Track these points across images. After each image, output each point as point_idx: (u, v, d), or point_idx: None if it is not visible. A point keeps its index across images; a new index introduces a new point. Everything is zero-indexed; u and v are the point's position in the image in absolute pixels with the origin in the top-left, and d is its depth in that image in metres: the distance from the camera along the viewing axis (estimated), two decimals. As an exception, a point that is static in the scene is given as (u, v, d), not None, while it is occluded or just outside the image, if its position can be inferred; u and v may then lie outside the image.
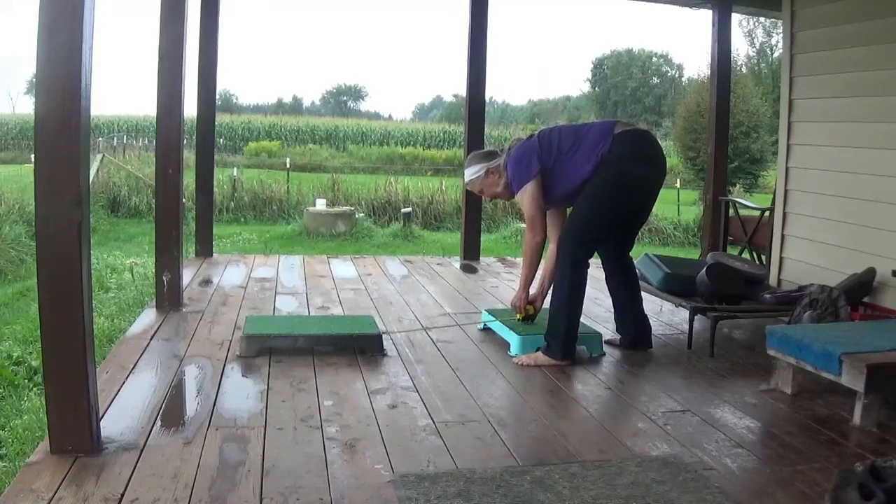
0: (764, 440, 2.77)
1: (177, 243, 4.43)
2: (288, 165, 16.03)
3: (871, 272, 4.18)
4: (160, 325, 4.07)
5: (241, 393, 3.05)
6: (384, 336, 3.81)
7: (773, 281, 5.03)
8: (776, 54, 29.01)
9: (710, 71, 6.46)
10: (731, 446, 2.65)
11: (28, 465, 2.32)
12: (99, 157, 14.58)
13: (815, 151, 4.82)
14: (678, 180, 16.75)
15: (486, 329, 4.15)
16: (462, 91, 6.98)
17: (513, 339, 3.75)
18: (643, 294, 3.97)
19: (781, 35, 5.73)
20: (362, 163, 24.43)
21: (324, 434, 2.64)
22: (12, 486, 2.19)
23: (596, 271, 4.13)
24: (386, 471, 2.37)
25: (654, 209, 3.94)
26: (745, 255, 5.86)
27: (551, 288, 3.66)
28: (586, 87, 49.31)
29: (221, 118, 26.80)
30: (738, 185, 16.81)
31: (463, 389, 3.20)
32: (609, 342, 3.93)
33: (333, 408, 2.90)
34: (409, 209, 12.73)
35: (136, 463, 2.34)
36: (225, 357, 3.53)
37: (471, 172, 3.84)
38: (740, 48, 38.59)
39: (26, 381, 4.44)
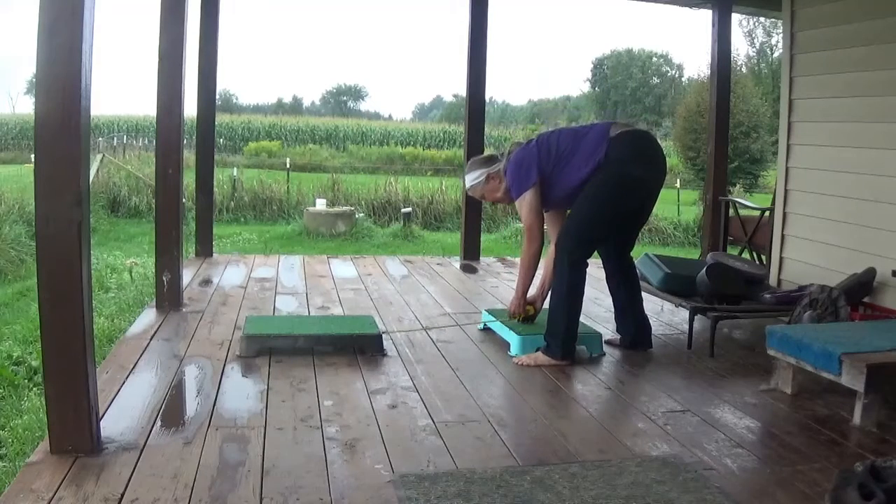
0: (764, 440, 2.77)
1: (177, 243, 4.44)
2: (288, 165, 16.03)
3: (871, 272, 4.18)
4: (160, 325, 4.07)
5: (241, 393, 3.05)
6: (384, 336, 3.81)
7: (773, 281, 5.03)
8: (776, 54, 29.01)
9: (710, 71, 6.46)
10: (731, 446, 2.65)
11: (28, 465, 2.32)
12: (99, 157, 14.58)
13: (815, 151, 4.82)
14: (678, 180, 16.75)
15: (486, 329, 4.15)
16: (462, 91, 6.98)
17: (513, 339, 3.75)
18: (643, 294, 3.97)
19: (781, 35, 5.73)
20: (362, 163, 24.44)
21: (324, 434, 2.64)
22: (12, 486, 2.19)
23: (596, 271, 4.14)
24: (386, 471, 2.37)
25: (655, 209, 3.94)
26: (745, 255, 5.86)
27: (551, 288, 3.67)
28: (586, 87, 49.35)
29: (221, 118, 26.80)
30: (738, 185, 16.81)
31: (463, 389, 3.20)
32: (609, 342, 3.93)
33: (333, 408, 2.90)
34: (409, 209, 12.73)
35: (136, 463, 2.34)
36: (225, 357, 3.53)
37: (471, 178, 3.85)
38: (740, 48, 38.61)
39: (26, 381, 4.44)
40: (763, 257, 5.61)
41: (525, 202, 3.63)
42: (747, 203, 6.47)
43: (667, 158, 3.94)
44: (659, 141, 3.88)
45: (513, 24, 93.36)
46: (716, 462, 2.50)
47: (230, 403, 2.92)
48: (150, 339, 3.80)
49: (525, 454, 2.55)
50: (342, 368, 3.42)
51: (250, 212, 13.58)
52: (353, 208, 12.42)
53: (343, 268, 6.19)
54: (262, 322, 3.93)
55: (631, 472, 2.38)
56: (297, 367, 3.38)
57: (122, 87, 60.74)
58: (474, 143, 6.53)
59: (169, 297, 4.43)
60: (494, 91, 66.25)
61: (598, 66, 46.93)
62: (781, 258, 5.09)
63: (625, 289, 3.86)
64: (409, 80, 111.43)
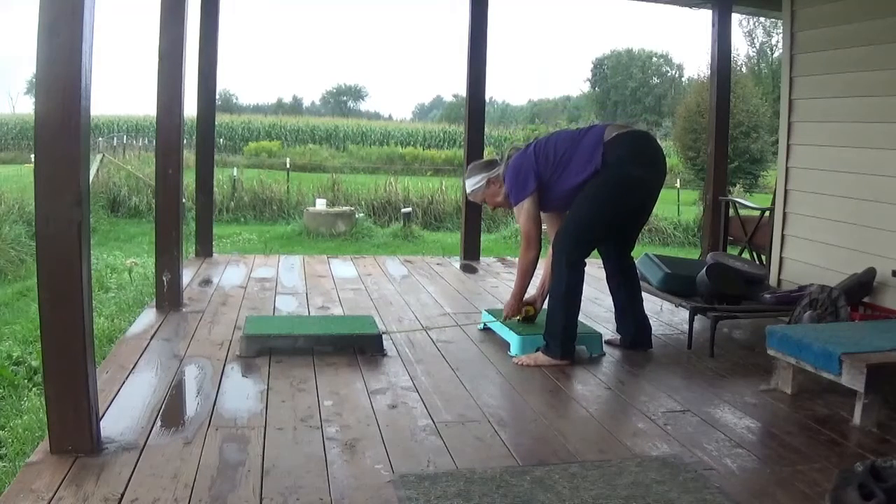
0: (764, 440, 2.77)
1: (177, 243, 4.44)
2: (288, 165, 16.03)
3: (871, 272, 4.18)
4: (160, 325, 4.07)
5: (241, 393, 3.05)
6: (384, 336, 3.81)
7: (773, 281, 5.03)
8: (776, 54, 29.00)
9: (710, 71, 6.46)
10: (731, 446, 2.65)
11: (28, 465, 2.32)
12: (99, 157, 14.57)
13: (815, 151, 4.82)
14: (678, 180, 16.74)
15: (486, 329, 4.15)
16: (462, 91, 6.98)
17: (513, 339, 3.75)
18: (643, 294, 3.97)
19: (781, 35, 5.73)
20: (362, 163, 24.43)
21: (324, 434, 2.64)
22: (12, 486, 2.19)
23: (596, 271, 4.14)
24: (386, 471, 2.37)
25: (655, 209, 3.94)
26: (745, 255, 5.86)
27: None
28: (586, 87, 49.33)
29: (221, 118, 26.80)
30: (738, 185, 16.80)
31: (463, 389, 3.20)
32: (609, 342, 3.93)
33: (333, 408, 2.90)
34: (409, 209, 12.72)
35: (136, 463, 2.34)
36: (225, 357, 3.53)
37: (472, 183, 3.85)
38: (740, 48, 38.57)
39: (26, 381, 4.44)
40: (763, 257, 5.61)
41: (523, 210, 3.65)
42: (747, 203, 6.47)
43: (667, 158, 3.94)
44: (659, 141, 3.88)
45: (513, 24, 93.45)
46: (716, 462, 2.50)
47: (230, 403, 2.92)
48: (150, 339, 3.80)
49: (525, 454, 2.55)
50: (342, 368, 3.42)
51: (250, 212, 13.58)
52: (353, 208, 12.42)
53: (343, 268, 6.19)
54: (262, 322, 3.93)
55: (631, 472, 2.38)
56: (297, 367, 3.38)
57: (122, 87, 60.74)
58: (474, 143, 6.53)
59: (169, 297, 4.43)
60: (494, 91, 66.40)
61: (598, 66, 46.92)
62: (781, 258, 5.09)
63: (625, 289, 3.86)
64: (409, 80, 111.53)
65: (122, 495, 2.13)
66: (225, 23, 6.26)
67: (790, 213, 5.04)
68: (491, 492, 2.21)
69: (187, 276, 5.32)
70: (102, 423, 2.57)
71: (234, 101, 51.81)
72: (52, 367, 2.36)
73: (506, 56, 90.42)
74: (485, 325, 4.18)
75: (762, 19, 28.26)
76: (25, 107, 41.29)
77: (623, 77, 44.72)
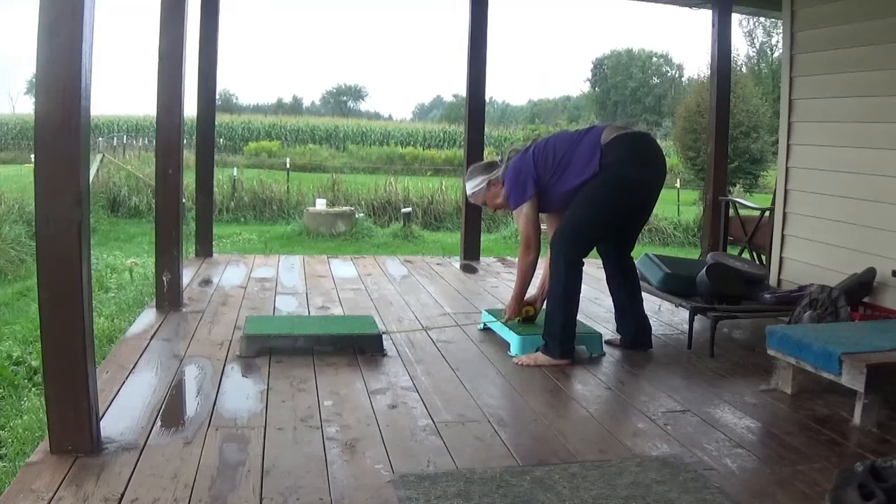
0: (764, 440, 2.77)
1: (177, 243, 4.44)
2: (288, 165, 16.03)
3: (871, 272, 4.18)
4: (160, 325, 4.07)
5: (241, 393, 3.05)
6: (384, 336, 3.81)
7: (773, 281, 5.03)
8: (776, 54, 29.00)
9: (710, 71, 6.46)
10: (731, 446, 2.65)
11: (28, 465, 2.32)
12: (99, 157, 14.57)
13: (815, 151, 4.82)
14: (678, 180, 16.74)
15: (486, 329, 4.15)
16: (462, 91, 6.98)
17: (513, 339, 3.75)
18: (643, 294, 3.97)
19: (781, 35, 5.73)
20: (362, 163, 24.43)
21: (324, 434, 2.64)
22: (12, 486, 2.19)
23: (596, 271, 4.14)
24: (386, 471, 2.37)
25: (655, 209, 3.94)
26: (745, 255, 5.86)
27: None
28: (586, 87, 49.35)
29: (221, 118, 26.79)
30: (738, 185, 16.80)
31: (463, 389, 3.20)
32: (609, 342, 3.93)
33: (333, 408, 2.90)
34: (409, 209, 12.72)
35: (136, 463, 2.35)
36: (225, 357, 3.53)
37: (472, 185, 3.86)
38: (740, 48, 38.58)
39: (26, 381, 4.44)
40: (763, 257, 5.61)
41: (522, 214, 3.66)
42: (747, 203, 6.47)
43: (667, 158, 3.94)
44: (659, 141, 3.89)
45: (513, 24, 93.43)
46: (716, 462, 2.50)
47: (230, 403, 2.92)
48: (150, 339, 3.80)
49: (525, 454, 2.55)
50: (342, 368, 3.42)
51: (250, 212, 13.57)
52: (353, 208, 12.41)
53: (343, 268, 6.19)
54: (262, 322, 3.93)
55: (631, 472, 2.38)
56: (297, 367, 3.38)
57: (122, 87, 60.72)
58: (474, 143, 6.53)
59: (169, 297, 4.43)
60: (494, 91, 66.40)
61: (598, 66, 46.93)
62: (781, 258, 5.09)
63: (625, 289, 3.86)
64: (409, 80, 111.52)
65: (122, 495, 2.13)
66: (225, 23, 6.27)
67: (790, 213, 5.04)
68: (491, 492, 2.21)
69: (187, 276, 5.32)
70: (102, 423, 2.57)
71: (234, 101, 51.85)
72: (52, 367, 2.36)
73: (506, 56, 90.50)
74: (485, 325, 4.18)
75: (762, 19, 28.27)
76: (25, 107, 41.33)
77: (623, 77, 44.73)
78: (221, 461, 2.39)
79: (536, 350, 3.61)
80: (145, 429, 2.62)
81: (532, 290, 3.96)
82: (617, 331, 4.00)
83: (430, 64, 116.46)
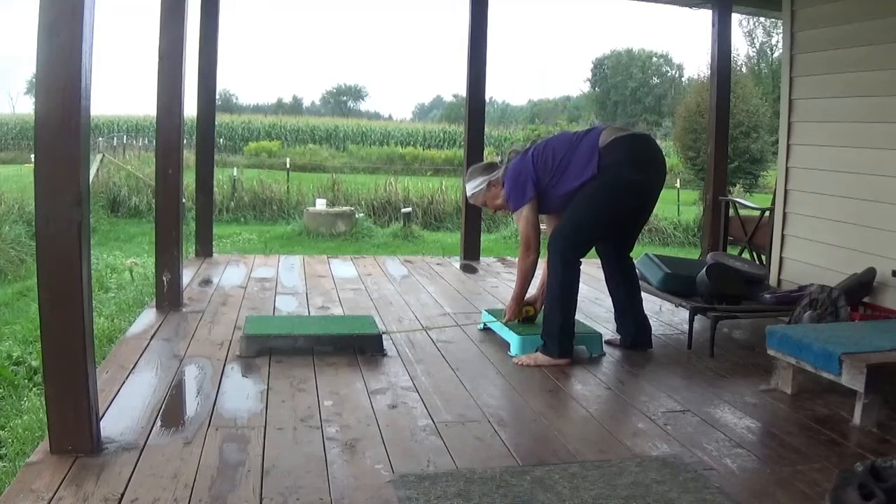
0: (764, 440, 2.77)
1: (177, 243, 4.44)
2: (288, 165, 16.02)
3: (871, 272, 4.18)
4: (160, 325, 4.07)
5: (241, 393, 3.05)
6: (384, 336, 3.81)
7: (773, 281, 5.03)
8: (776, 54, 28.99)
9: (710, 71, 6.46)
10: (731, 446, 2.65)
11: (28, 465, 2.32)
12: (99, 157, 14.57)
13: (815, 151, 4.82)
14: (678, 180, 16.74)
15: (486, 329, 4.15)
16: (462, 91, 6.98)
17: (513, 339, 3.75)
18: (643, 294, 3.97)
19: (781, 35, 5.73)
20: (362, 163, 24.43)
21: (324, 434, 2.64)
22: (12, 486, 2.19)
23: (595, 271, 4.14)
24: (386, 471, 2.37)
25: (655, 209, 3.95)
26: (745, 255, 5.86)
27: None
28: (586, 87, 49.33)
29: (221, 118, 26.79)
30: (738, 185, 16.79)
31: (463, 389, 3.20)
32: (609, 342, 3.93)
33: (333, 408, 2.90)
34: (409, 209, 12.72)
35: (136, 463, 2.35)
36: (225, 357, 3.53)
37: (472, 186, 3.86)
38: (740, 48, 38.57)
39: (26, 381, 4.44)
40: (763, 257, 5.61)
41: (522, 217, 3.66)
42: (747, 203, 6.47)
43: (667, 158, 3.94)
44: (659, 141, 3.89)
45: (513, 24, 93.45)
46: (716, 462, 2.50)
47: (230, 403, 2.92)
48: (150, 339, 3.80)
49: (525, 454, 2.55)
50: (342, 368, 3.42)
51: (250, 212, 13.57)
52: (353, 208, 12.41)
53: (343, 268, 6.19)
54: (262, 322, 3.93)
55: (631, 472, 2.38)
56: (297, 367, 3.38)
57: (122, 87, 60.68)
58: (474, 143, 6.53)
59: (169, 297, 4.43)
60: (494, 91, 66.41)
61: (598, 66, 46.92)
62: (781, 258, 5.09)
63: (624, 289, 3.86)
64: (409, 80, 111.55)
65: (122, 495, 2.13)
66: (225, 23, 6.27)
67: (790, 213, 5.04)
68: (491, 492, 2.21)
69: (187, 276, 5.32)
70: (102, 423, 2.57)
71: (234, 101, 51.86)
72: (52, 367, 2.36)
73: (506, 56, 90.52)
74: (485, 325, 4.18)
75: (762, 19, 28.27)
76: (25, 107, 41.33)
77: (623, 77, 44.72)
78: (221, 461, 2.39)
79: (536, 350, 3.61)
80: (145, 429, 2.62)
81: (532, 291, 3.96)
82: (617, 331, 4.00)
83: (430, 64, 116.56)
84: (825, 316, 3.65)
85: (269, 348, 3.56)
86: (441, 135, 31.81)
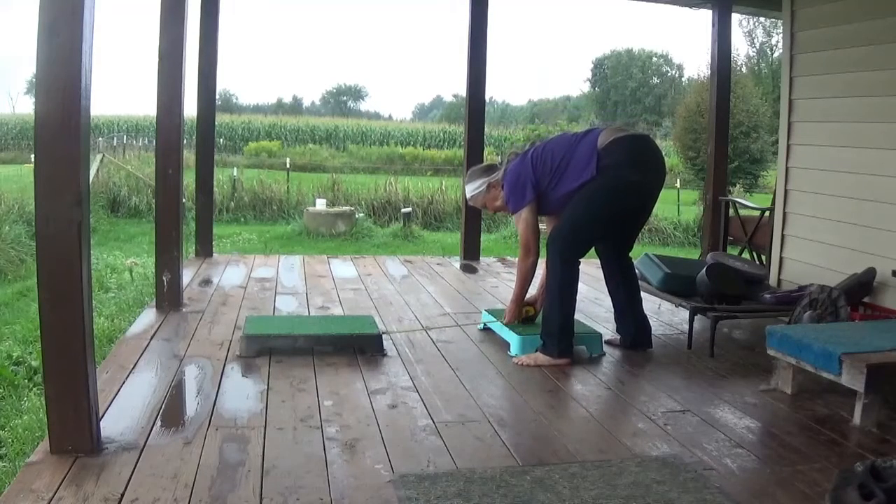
0: (764, 440, 2.77)
1: (177, 243, 4.44)
2: (288, 165, 16.02)
3: (871, 272, 4.18)
4: (160, 325, 4.07)
5: (241, 393, 3.05)
6: (384, 336, 3.81)
7: (773, 281, 5.03)
8: (776, 54, 29.00)
9: (710, 71, 6.46)
10: (731, 446, 2.65)
11: (28, 465, 2.32)
12: (99, 157, 14.57)
13: (815, 151, 4.82)
14: (678, 180, 16.74)
15: (486, 329, 4.15)
16: (462, 91, 6.98)
17: (513, 339, 3.75)
18: (643, 294, 3.97)
19: (781, 35, 5.73)
20: (362, 163, 24.43)
21: (324, 434, 2.64)
22: (12, 486, 2.19)
23: (596, 271, 4.14)
24: (386, 471, 2.37)
25: (655, 209, 3.95)
26: (745, 255, 5.86)
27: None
28: (586, 87, 49.38)
29: (221, 118, 26.79)
30: (738, 185, 16.80)
31: (463, 389, 3.20)
32: (609, 342, 3.93)
33: (333, 408, 2.90)
34: (409, 209, 12.72)
35: (136, 463, 2.34)
36: (225, 357, 3.53)
37: (472, 188, 3.87)
38: (740, 48, 38.57)
39: (26, 381, 4.44)
40: (763, 257, 5.61)
41: (521, 219, 3.66)
42: (747, 203, 6.47)
43: (666, 159, 3.95)
44: (659, 141, 3.90)
45: (513, 24, 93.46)
46: (716, 462, 2.50)
47: (230, 403, 2.92)
48: (150, 339, 3.80)
49: (525, 454, 2.55)
50: (342, 368, 3.42)
51: (250, 212, 13.57)
52: (353, 208, 12.41)
53: (343, 268, 6.19)
54: (262, 322, 3.93)
55: (631, 472, 2.38)
56: (297, 367, 3.38)
57: (122, 87, 60.68)
58: (474, 143, 6.53)
59: (169, 297, 4.43)
60: (494, 91, 66.42)
61: (598, 66, 46.93)
62: (781, 258, 5.09)
63: (624, 289, 3.86)
64: (409, 80, 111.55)
65: (122, 495, 2.13)
66: (225, 23, 6.26)
67: (790, 213, 5.04)
68: (491, 492, 2.21)
69: (187, 276, 5.32)
70: (102, 423, 2.57)
71: (234, 101, 51.88)
72: (52, 367, 2.36)
73: (506, 56, 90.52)
74: (485, 325, 4.18)
75: (762, 19, 28.27)
76: (25, 107, 41.34)
77: (623, 77, 44.73)
78: (221, 461, 2.39)
79: (536, 350, 3.61)
80: (145, 429, 2.62)
81: (532, 291, 3.96)
82: (617, 331, 4.00)
83: (430, 64, 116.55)
84: (825, 316, 3.65)
85: (269, 348, 3.56)
86: (441, 135, 31.82)
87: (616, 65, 45.71)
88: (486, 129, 7.77)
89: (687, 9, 6.56)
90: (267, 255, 7.15)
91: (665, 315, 4.69)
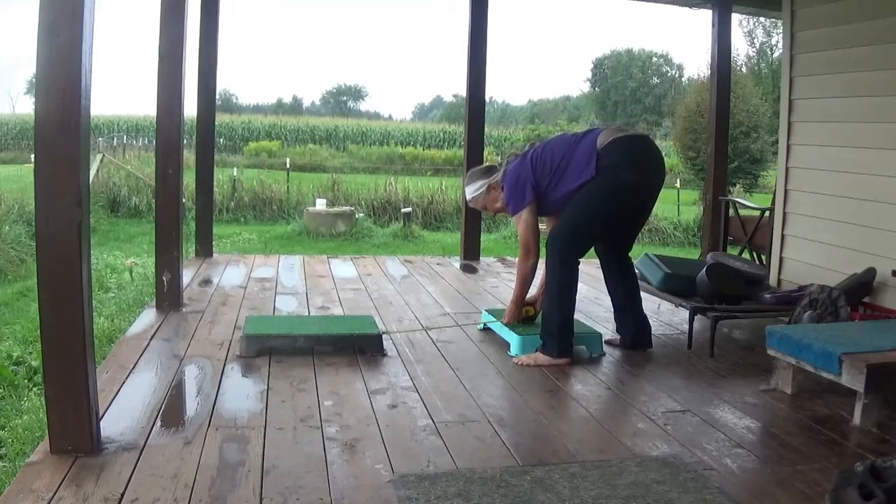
0: (764, 440, 2.77)
1: (177, 243, 4.44)
2: (288, 165, 16.02)
3: (871, 272, 4.18)
4: (160, 325, 4.07)
5: (241, 393, 3.05)
6: (384, 336, 3.81)
7: (773, 281, 5.03)
8: (776, 54, 28.99)
9: (710, 71, 6.46)
10: (731, 446, 2.65)
11: (28, 465, 2.32)
12: (99, 157, 14.57)
13: (815, 151, 4.82)
14: (678, 180, 16.74)
15: (486, 329, 4.15)
16: (462, 91, 6.98)
17: (513, 339, 3.75)
18: (643, 294, 3.97)
19: (781, 35, 5.73)
20: (362, 163, 24.43)
21: (324, 434, 2.64)
22: (12, 486, 2.19)
23: (596, 271, 4.14)
24: (386, 471, 2.37)
25: (655, 209, 3.95)
26: (745, 255, 5.86)
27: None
28: (586, 87, 49.36)
29: (221, 118, 26.80)
30: (738, 185, 16.79)
31: (463, 389, 3.20)
32: (609, 342, 3.93)
33: (333, 408, 2.90)
34: (409, 209, 12.72)
35: (136, 463, 2.35)
36: (225, 357, 3.53)
37: (472, 190, 3.87)
38: (740, 48, 38.54)
39: (26, 381, 4.44)
40: (763, 257, 5.61)
41: (521, 220, 3.66)
42: (747, 203, 6.47)
43: (666, 159, 3.95)
44: (659, 141, 3.90)
45: (513, 24, 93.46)
46: (716, 462, 2.50)
47: (230, 403, 2.92)
48: (150, 339, 3.80)
49: (525, 454, 2.55)
50: (342, 368, 3.42)
51: (250, 212, 13.57)
52: (353, 208, 12.41)
53: (343, 268, 6.19)
54: (262, 322, 3.93)
55: (631, 472, 2.38)
56: (297, 367, 3.38)
57: (122, 87, 60.63)
58: (474, 143, 6.53)
59: (169, 297, 4.43)
60: (494, 91, 66.43)
61: (598, 66, 46.93)
62: (781, 258, 5.09)
63: (623, 289, 3.86)
64: (409, 80, 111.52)
65: (122, 495, 2.13)
66: (225, 23, 6.27)
67: (790, 213, 5.03)
68: (491, 492, 2.21)
69: (187, 276, 5.32)
70: (102, 423, 2.57)
71: (234, 101, 51.87)
72: (52, 367, 2.36)
73: (506, 56, 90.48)
74: (485, 325, 4.18)
75: (762, 19, 28.27)
76: (25, 107, 41.32)
77: (623, 77, 44.73)
78: (221, 461, 2.39)
79: (536, 350, 3.61)
80: (145, 429, 2.62)
81: (532, 290, 3.96)
82: (617, 331, 4.00)
83: (430, 64, 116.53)
84: (825, 316, 3.65)
85: (269, 348, 3.56)
86: (441, 135, 31.81)
87: (616, 65, 45.71)
88: (486, 129, 7.77)
89: (687, 9, 6.57)
90: (267, 255, 7.15)
91: (665, 315, 4.69)
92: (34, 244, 2.96)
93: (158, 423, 2.69)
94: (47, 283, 2.32)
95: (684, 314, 4.10)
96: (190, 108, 5.18)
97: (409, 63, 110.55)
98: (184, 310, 4.44)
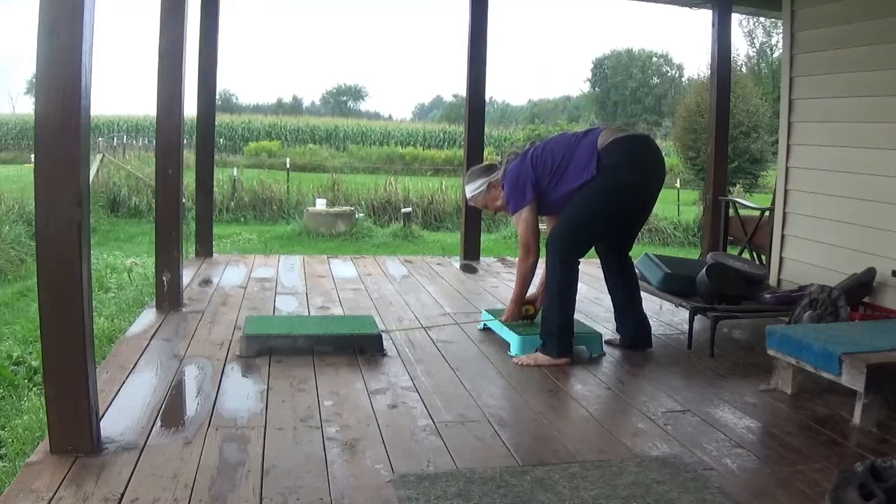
0: (764, 440, 2.77)
1: (177, 243, 4.44)
2: (288, 165, 16.02)
3: (871, 272, 4.18)
4: (160, 325, 4.08)
5: (241, 393, 3.05)
6: (384, 336, 3.81)
7: (773, 281, 5.03)
8: (776, 54, 28.98)
9: (710, 71, 6.46)
10: (731, 446, 2.65)
11: (28, 465, 2.32)
12: (99, 157, 14.57)
13: (815, 151, 4.82)
14: (678, 180, 16.73)
15: (486, 329, 4.15)
16: (462, 91, 6.98)
17: (513, 339, 3.75)
18: (643, 294, 3.97)
19: (781, 35, 5.73)
20: (362, 163, 24.43)
21: (324, 434, 2.64)
22: (12, 486, 2.19)
23: (596, 271, 4.14)
24: (386, 471, 2.37)
25: (655, 209, 3.95)
26: (745, 255, 5.86)
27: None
28: (586, 87, 49.37)
29: (221, 118, 26.80)
30: (738, 185, 16.79)
31: (463, 389, 3.20)
32: (609, 342, 3.93)
33: (333, 408, 2.90)
34: (409, 209, 12.72)
35: (136, 463, 2.35)
36: (225, 357, 3.53)
37: (472, 188, 3.87)
38: (740, 48, 38.54)
39: (26, 381, 4.44)
40: (763, 257, 5.61)
41: (521, 219, 3.66)
42: (747, 203, 6.47)
43: (666, 159, 3.95)
44: (659, 141, 3.90)
45: (513, 24, 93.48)
46: (716, 462, 2.50)
47: (230, 403, 2.92)
48: (150, 339, 3.80)
49: (525, 454, 2.55)
50: (342, 368, 3.42)
51: (250, 212, 13.58)
52: (353, 208, 12.41)
53: (343, 268, 6.19)
54: (262, 322, 3.93)
55: (631, 472, 2.38)
56: (297, 367, 3.38)
57: (122, 87, 60.63)
58: (474, 143, 6.53)
59: (169, 297, 4.43)
60: (494, 91, 66.43)
61: (598, 66, 46.93)
62: (781, 258, 5.09)
63: (623, 289, 3.86)
64: (409, 80, 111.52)
65: (122, 495, 2.13)
66: (225, 23, 6.27)
67: (790, 213, 5.03)
68: (491, 492, 2.21)
69: (187, 276, 5.32)
70: (102, 423, 2.57)
71: (234, 101, 51.87)
72: (52, 367, 2.36)
73: (506, 56, 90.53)
74: (485, 325, 4.18)
75: (762, 19, 28.27)
76: (25, 107, 41.32)
77: (623, 77, 44.73)
78: (221, 461, 2.39)
79: (536, 350, 3.61)
80: (145, 429, 2.62)
81: (532, 289, 3.97)
82: (617, 331, 4.00)
83: (430, 64, 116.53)
84: (825, 316, 3.65)
85: (269, 348, 3.56)
86: (441, 135, 31.82)
87: (616, 65, 45.71)
88: (486, 129, 7.77)
89: (687, 9, 6.56)
90: (267, 255, 7.15)
91: (665, 315, 4.69)
92: (34, 244, 2.96)
93: (158, 423, 2.69)
94: (47, 283, 2.32)
95: (684, 314, 4.10)
96: (190, 108, 5.19)
97: (409, 63, 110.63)
98: (184, 310, 4.44)
